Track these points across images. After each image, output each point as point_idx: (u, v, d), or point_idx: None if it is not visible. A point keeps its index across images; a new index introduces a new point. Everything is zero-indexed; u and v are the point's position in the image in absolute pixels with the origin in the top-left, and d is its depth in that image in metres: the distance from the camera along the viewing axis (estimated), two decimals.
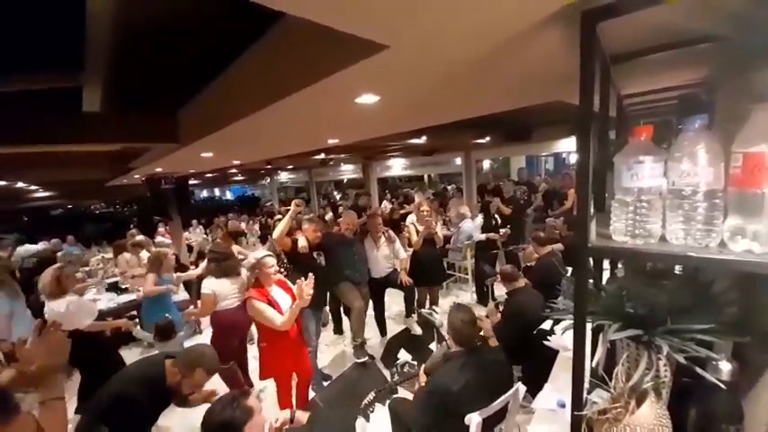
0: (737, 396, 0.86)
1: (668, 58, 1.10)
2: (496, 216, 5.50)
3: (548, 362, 2.13)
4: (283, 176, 16.47)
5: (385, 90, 1.85)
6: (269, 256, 2.67)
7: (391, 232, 4.02)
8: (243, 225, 9.75)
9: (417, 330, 4.10)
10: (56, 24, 1.96)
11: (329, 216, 7.53)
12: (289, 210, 3.13)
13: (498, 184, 7.88)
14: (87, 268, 5.93)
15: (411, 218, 5.10)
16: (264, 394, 3.24)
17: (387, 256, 3.91)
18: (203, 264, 4.45)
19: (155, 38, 1.97)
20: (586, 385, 1.07)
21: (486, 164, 16.07)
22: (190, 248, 7.59)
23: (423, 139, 5.94)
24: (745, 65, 1.03)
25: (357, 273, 3.68)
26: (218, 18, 1.85)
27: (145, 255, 5.16)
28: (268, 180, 16.36)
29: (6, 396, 1.06)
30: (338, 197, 15.13)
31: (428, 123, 3.56)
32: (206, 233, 8.83)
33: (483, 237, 5.12)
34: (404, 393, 2.61)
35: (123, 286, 4.95)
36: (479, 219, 5.56)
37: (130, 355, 3.91)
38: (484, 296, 4.91)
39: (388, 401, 2.28)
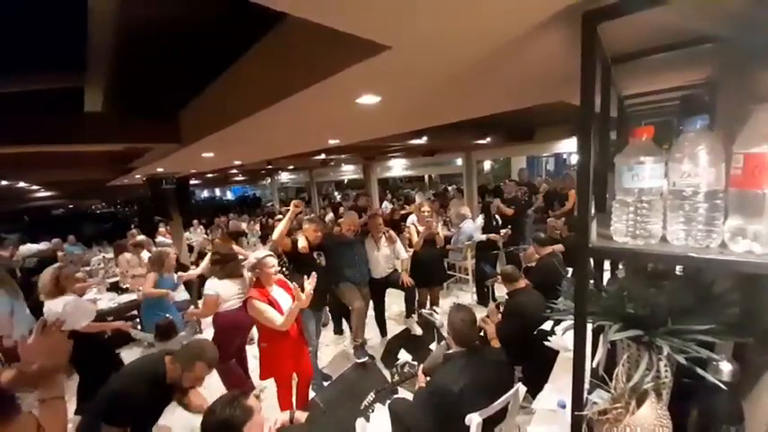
0: (738, 397, 0.86)
1: (669, 58, 1.10)
2: (497, 217, 5.50)
3: (548, 362, 2.13)
4: (284, 177, 16.50)
5: (386, 91, 1.85)
6: (270, 256, 2.67)
7: (392, 233, 4.02)
8: (244, 225, 9.76)
9: (418, 331, 4.10)
10: (58, 25, 1.96)
11: (330, 216, 7.53)
12: (289, 210, 3.13)
13: (499, 185, 7.89)
14: (88, 268, 5.95)
15: (412, 218, 5.10)
16: (265, 394, 3.24)
17: (387, 256, 3.91)
18: (203, 263, 4.46)
19: (156, 38, 1.97)
20: (587, 386, 1.07)
21: (487, 164, 16.10)
22: (190, 248, 7.60)
23: (423, 140, 5.94)
24: (746, 66, 1.03)
25: (358, 273, 3.68)
26: (219, 18, 1.86)
27: (146, 255, 5.17)
28: (269, 180, 16.38)
29: (7, 396, 1.06)
30: (338, 197, 15.14)
31: (429, 124, 3.56)
32: (207, 233, 8.85)
33: (483, 237, 5.12)
34: (404, 393, 2.61)
35: (124, 286, 4.96)
36: (480, 219, 5.57)
37: (131, 354, 3.91)
38: (484, 297, 4.91)
39: (388, 402, 2.28)
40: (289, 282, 2.78)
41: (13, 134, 2.87)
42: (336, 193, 17.87)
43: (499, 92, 2.19)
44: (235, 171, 10.72)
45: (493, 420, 1.87)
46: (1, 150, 3.09)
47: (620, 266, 1.45)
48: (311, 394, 3.07)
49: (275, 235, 3.19)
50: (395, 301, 4.51)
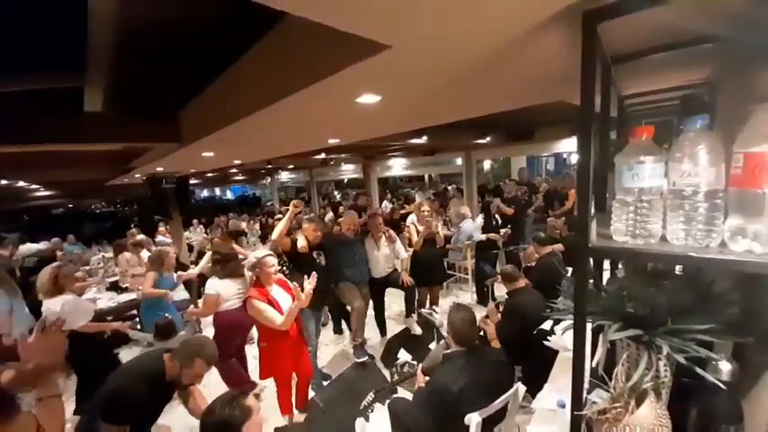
0: (737, 396, 0.86)
1: (669, 58, 1.10)
2: (497, 216, 5.50)
3: (548, 362, 2.13)
4: (284, 176, 16.49)
5: (386, 90, 1.85)
6: (270, 255, 2.67)
7: (392, 232, 4.02)
8: (243, 225, 9.76)
9: (417, 330, 4.10)
10: (58, 25, 1.96)
11: (330, 216, 7.53)
12: (289, 209, 3.13)
13: (499, 185, 7.89)
14: (88, 267, 5.95)
15: (411, 218, 5.10)
16: (264, 394, 3.24)
17: (387, 256, 3.91)
18: (201, 262, 4.46)
19: (156, 38, 1.97)
20: (586, 385, 1.07)
21: (487, 164, 16.10)
22: (190, 248, 7.60)
23: (423, 139, 5.94)
24: (746, 65, 1.03)
25: (358, 273, 3.68)
26: (219, 18, 1.86)
27: (145, 254, 5.17)
28: (269, 180, 16.38)
29: (7, 396, 1.07)
30: (338, 197, 15.15)
31: (429, 123, 3.56)
32: (206, 233, 8.85)
33: (483, 237, 5.12)
34: (403, 393, 2.61)
35: (123, 285, 4.96)
36: (480, 219, 5.57)
37: (130, 354, 3.90)
38: (484, 296, 4.91)
39: (387, 401, 2.28)
40: (288, 281, 2.78)
41: (13, 133, 2.87)
42: (336, 193, 17.88)
43: (499, 91, 2.19)
44: (235, 170, 10.73)
45: (492, 420, 1.87)
46: (1, 149, 3.09)
47: (620, 266, 1.45)
48: (311, 394, 3.07)
49: (274, 235, 3.19)
50: (394, 301, 4.51)
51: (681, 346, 0.80)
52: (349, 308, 3.62)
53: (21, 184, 7.19)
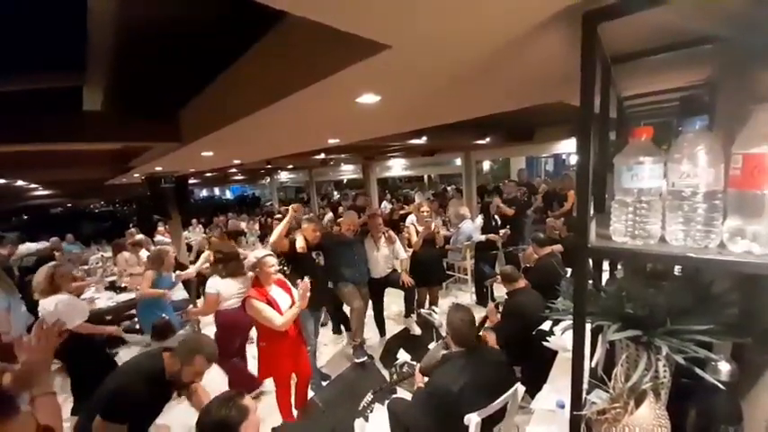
0: (736, 397, 0.86)
1: (669, 59, 1.11)
2: (496, 217, 5.50)
3: (547, 362, 2.13)
4: (283, 176, 16.49)
5: (386, 90, 1.85)
6: (270, 255, 2.67)
7: (391, 233, 4.02)
8: (243, 224, 9.75)
9: (417, 330, 4.10)
10: (57, 24, 1.96)
11: (329, 216, 7.53)
12: (288, 209, 3.14)
13: (498, 185, 7.90)
14: (86, 267, 5.93)
15: (411, 218, 5.11)
16: (264, 394, 3.24)
17: (387, 256, 3.91)
18: (199, 262, 4.47)
19: (156, 38, 1.97)
20: (585, 386, 1.07)
21: (486, 165, 16.11)
22: (189, 248, 7.59)
23: (423, 140, 5.95)
24: (745, 66, 1.03)
25: (357, 273, 3.68)
26: (219, 18, 1.85)
27: (144, 254, 5.17)
28: (268, 180, 16.37)
29: (6, 396, 1.07)
30: (337, 197, 15.15)
31: (429, 124, 3.56)
32: (205, 232, 8.84)
33: (483, 237, 5.12)
34: (402, 393, 2.61)
35: (121, 285, 4.95)
36: (479, 219, 5.57)
37: (130, 354, 3.90)
38: (483, 297, 4.91)
39: (386, 401, 2.28)
40: (288, 282, 2.78)
41: (12, 133, 2.87)
42: (335, 193, 17.88)
43: (499, 92, 2.19)
44: (234, 170, 10.72)
45: (492, 420, 1.88)
46: (2, 149, 3.08)
47: (619, 267, 1.45)
48: (310, 394, 3.07)
49: (273, 237, 3.19)
50: (394, 301, 4.51)
51: (680, 347, 0.80)
52: (348, 308, 3.62)
53: (20, 183, 7.18)
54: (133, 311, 4.42)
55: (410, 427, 2.00)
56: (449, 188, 12.99)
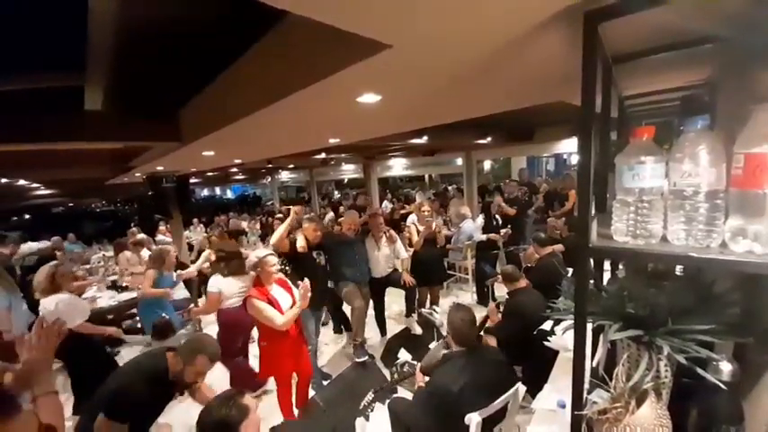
0: (738, 397, 0.86)
1: (670, 58, 1.10)
2: (497, 216, 5.50)
3: (548, 362, 2.13)
4: (284, 176, 16.50)
5: (387, 90, 1.85)
6: (271, 254, 2.68)
7: (393, 232, 4.02)
8: (244, 224, 9.76)
9: (417, 330, 4.11)
10: (58, 24, 1.96)
11: (330, 216, 7.54)
12: (289, 208, 3.15)
13: (499, 185, 7.89)
14: (88, 266, 5.95)
15: (412, 218, 5.10)
16: (266, 393, 3.25)
17: (388, 256, 3.91)
18: (199, 261, 4.47)
19: (156, 38, 1.97)
20: (586, 385, 1.07)
21: (487, 164, 16.10)
22: (190, 247, 7.60)
23: (424, 139, 5.94)
24: (746, 66, 1.03)
25: (358, 273, 3.68)
26: (219, 18, 1.86)
27: (146, 253, 5.18)
28: (269, 179, 16.38)
29: (8, 395, 1.07)
30: (338, 196, 15.16)
31: (429, 123, 3.56)
32: (206, 232, 8.85)
33: (484, 237, 5.12)
34: (403, 393, 2.61)
35: (123, 284, 4.96)
36: (480, 219, 5.57)
37: (131, 353, 3.91)
38: (484, 296, 4.91)
39: (387, 401, 2.28)
40: (289, 281, 2.78)
41: (13, 132, 2.87)
42: (336, 193, 17.89)
43: (499, 92, 2.19)
44: (235, 170, 10.73)
45: (493, 420, 1.87)
46: (1, 148, 3.09)
47: (621, 266, 1.45)
48: (311, 393, 3.07)
49: (274, 238, 3.20)
50: (395, 301, 4.51)
51: (681, 347, 0.80)
52: (349, 308, 3.62)
53: (21, 182, 7.20)
54: (135, 311, 4.43)
55: (411, 427, 2.00)
56: (450, 188, 12.99)
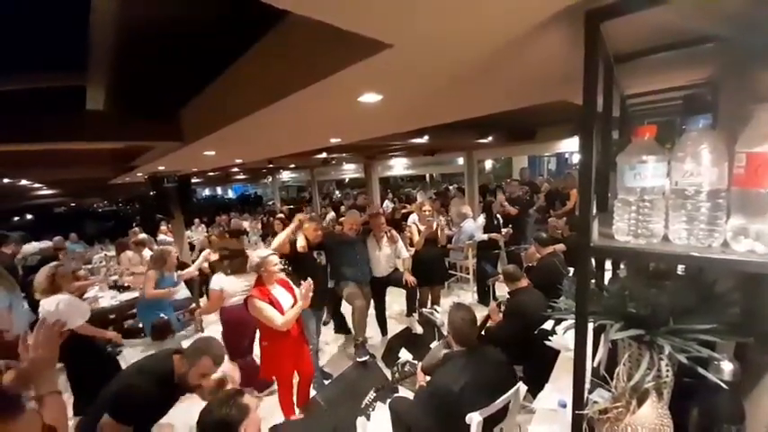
0: (739, 396, 0.86)
1: (672, 57, 1.10)
2: (498, 216, 5.50)
3: (549, 362, 2.12)
4: (285, 175, 16.52)
5: (388, 89, 1.85)
6: (273, 254, 2.69)
7: (394, 232, 4.03)
8: (246, 224, 9.77)
9: (418, 329, 4.11)
10: (60, 24, 1.97)
11: (331, 215, 7.54)
12: (290, 208, 3.15)
13: (500, 184, 7.89)
14: (90, 266, 5.96)
15: (413, 217, 5.11)
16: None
17: (389, 255, 3.91)
18: (198, 260, 4.48)
19: (158, 37, 1.98)
20: (587, 385, 1.07)
21: (488, 164, 16.09)
22: (192, 247, 7.62)
23: (425, 139, 5.94)
24: (749, 65, 1.02)
25: (359, 272, 3.69)
26: (220, 18, 1.86)
27: (147, 253, 5.19)
28: (270, 179, 16.40)
29: (11, 395, 1.07)
30: (338, 196, 15.17)
31: (430, 123, 3.56)
32: (208, 232, 8.87)
33: (485, 237, 5.12)
34: (404, 392, 2.62)
35: (124, 284, 4.97)
36: (481, 219, 5.57)
37: (132, 352, 3.92)
38: (485, 296, 4.90)
39: (388, 401, 2.28)
40: (290, 281, 2.79)
41: (15, 132, 2.88)
42: (337, 192, 17.90)
43: (500, 91, 2.18)
44: (236, 170, 10.74)
45: (494, 419, 1.87)
46: (3, 148, 3.10)
47: (622, 266, 1.45)
48: (312, 393, 3.08)
49: (275, 244, 3.19)
50: (396, 300, 4.51)
51: (682, 346, 0.80)
52: (348, 309, 3.62)
53: (23, 182, 7.22)
54: (136, 310, 4.44)
55: (412, 427, 2.00)
56: (451, 187, 12.98)
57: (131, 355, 3.68)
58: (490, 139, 6.76)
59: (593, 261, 1.03)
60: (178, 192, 6.51)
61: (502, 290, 3.73)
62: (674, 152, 0.77)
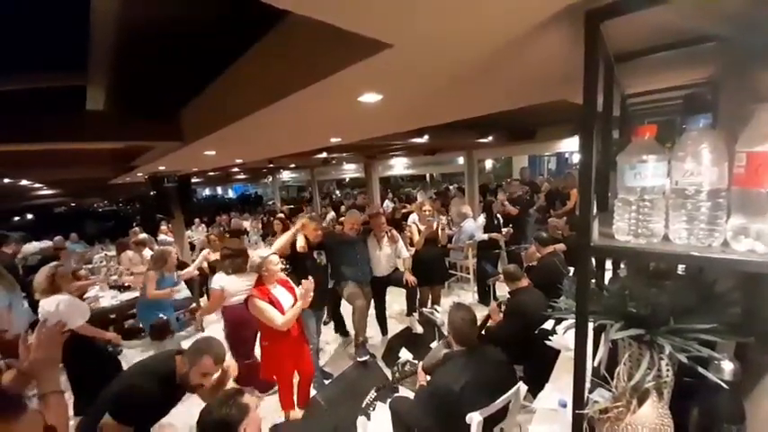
0: (739, 396, 0.86)
1: (672, 57, 1.10)
2: (498, 216, 5.50)
3: (549, 362, 2.12)
4: (285, 175, 16.52)
5: (388, 89, 1.85)
6: (274, 254, 2.69)
7: (394, 232, 4.02)
8: (246, 224, 9.78)
9: (419, 329, 4.11)
10: (61, 24, 1.97)
11: (331, 215, 7.55)
12: (291, 208, 3.15)
13: (500, 184, 7.88)
14: (90, 266, 5.96)
15: (413, 217, 5.11)
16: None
17: (389, 255, 3.91)
18: (198, 259, 4.48)
19: (158, 37, 1.98)
20: (588, 384, 1.07)
21: (489, 163, 16.09)
22: (192, 246, 7.62)
23: (425, 139, 5.94)
24: (749, 64, 1.02)
25: (360, 272, 3.69)
26: (220, 18, 1.86)
27: (148, 253, 5.20)
28: (270, 179, 16.40)
29: (13, 395, 1.07)
30: (338, 195, 15.18)
31: (431, 123, 3.56)
32: (208, 231, 8.88)
33: (485, 236, 5.11)
34: (404, 391, 2.62)
35: (125, 284, 4.98)
36: (481, 218, 5.56)
37: (134, 352, 3.93)
38: (486, 296, 4.90)
39: (389, 400, 2.29)
40: (290, 281, 2.79)
41: (15, 132, 2.88)
42: (337, 192, 17.92)
43: (500, 91, 2.18)
44: (236, 169, 10.74)
45: (494, 419, 1.87)
46: (3, 148, 3.11)
47: (622, 265, 1.45)
48: (312, 392, 3.08)
49: (277, 246, 3.19)
50: (396, 300, 4.52)
51: (683, 346, 0.80)
52: (346, 310, 3.62)
53: (23, 182, 7.22)
54: (136, 310, 4.45)
55: (412, 426, 2.00)
56: (451, 187, 12.98)
57: (131, 354, 3.69)
58: (490, 138, 6.76)
59: (593, 261, 1.03)
60: (178, 191, 6.52)
61: (502, 289, 3.74)
62: (675, 152, 0.77)
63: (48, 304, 2.70)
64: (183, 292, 4.12)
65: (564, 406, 1.67)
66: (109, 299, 4.56)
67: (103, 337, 3.24)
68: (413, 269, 4.19)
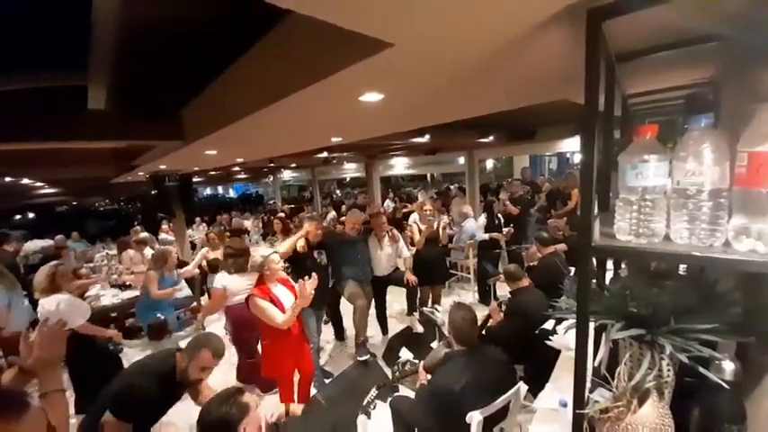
0: (740, 396, 0.86)
1: (674, 56, 1.10)
2: (499, 215, 5.49)
3: (550, 361, 2.12)
4: (286, 175, 16.53)
5: (389, 88, 1.85)
6: (275, 253, 2.69)
7: (395, 231, 4.02)
8: (247, 223, 9.78)
9: (419, 329, 4.10)
10: (62, 24, 1.97)
11: (332, 215, 7.54)
12: (291, 207, 3.15)
13: (502, 184, 7.88)
14: (92, 265, 5.98)
15: (414, 217, 5.11)
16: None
17: (390, 255, 3.91)
18: (197, 258, 4.49)
19: (159, 37, 1.98)
20: (588, 384, 1.07)
21: (490, 163, 16.07)
22: (193, 245, 7.63)
23: (426, 138, 5.94)
24: (750, 64, 1.02)
25: (360, 272, 3.69)
26: (220, 18, 1.86)
27: (149, 252, 5.20)
28: (271, 178, 16.42)
29: (16, 394, 1.07)
30: (339, 195, 15.18)
31: (431, 122, 3.56)
32: (208, 230, 8.88)
33: (486, 236, 5.11)
34: (405, 391, 2.62)
35: (126, 283, 4.99)
36: (482, 218, 5.56)
37: (132, 351, 3.93)
38: (486, 295, 4.90)
39: (389, 399, 2.29)
40: (291, 280, 2.79)
41: (16, 131, 2.89)
42: (338, 191, 17.92)
43: (500, 91, 2.18)
44: (237, 169, 10.75)
45: (494, 419, 1.87)
46: (5, 147, 3.11)
47: (623, 265, 1.45)
48: (312, 391, 3.08)
49: (281, 249, 3.18)
50: (396, 299, 4.51)
51: (684, 346, 0.80)
52: (346, 310, 3.62)
53: (25, 181, 7.24)
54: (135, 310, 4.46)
55: (412, 425, 2.00)
56: (452, 187, 12.97)
57: (132, 353, 3.69)
58: (491, 138, 6.75)
59: (594, 260, 1.03)
60: (179, 191, 6.53)
61: (503, 289, 3.74)
62: (676, 151, 0.77)
63: (48, 304, 2.70)
64: (184, 290, 4.13)
65: (564, 406, 1.67)
66: (110, 297, 4.57)
67: (104, 334, 3.24)
68: (413, 269, 4.19)
